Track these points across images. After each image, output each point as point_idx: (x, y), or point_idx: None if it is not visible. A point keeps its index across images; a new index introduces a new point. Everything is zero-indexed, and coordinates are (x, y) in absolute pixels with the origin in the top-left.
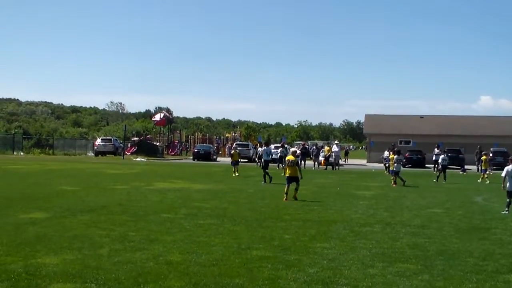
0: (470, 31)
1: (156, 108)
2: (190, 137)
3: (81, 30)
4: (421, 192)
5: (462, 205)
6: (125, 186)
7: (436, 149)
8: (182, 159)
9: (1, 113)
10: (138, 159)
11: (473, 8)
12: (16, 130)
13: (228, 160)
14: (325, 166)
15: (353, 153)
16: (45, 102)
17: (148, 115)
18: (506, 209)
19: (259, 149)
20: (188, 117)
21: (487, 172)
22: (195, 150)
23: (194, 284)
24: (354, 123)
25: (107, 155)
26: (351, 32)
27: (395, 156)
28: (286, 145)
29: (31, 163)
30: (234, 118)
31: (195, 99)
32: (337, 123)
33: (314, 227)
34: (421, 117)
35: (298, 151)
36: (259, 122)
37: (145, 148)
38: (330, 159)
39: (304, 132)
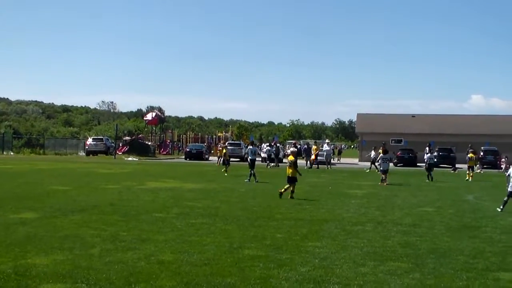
0: (461, 30)
1: (148, 107)
2: (182, 137)
3: (72, 30)
4: (412, 191)
5: (453, 203)
6: (116, 185)
7: (427, 148)
8: (174, 158)
9: None
10: (129, 158)
11: (465, 8)
12: (6, 130)
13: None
14: (315, 164)
15: (345, 152)
16: (36, 101)
17: (140, 114)
18: (502, 207)
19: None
20: (180, 116)
21: (479, 171)
22: (187, 150)
23: (186, 283)
24: (346, 122)
25: (98, 155)
26: (344, 32)
27: (381, 155)
28: (278, 144)
29: (21, 162)
30: (226, 117)
31: (187, 98)
32: (329, 122)
33: (306, 226)
34: (413, 116)
35: (289, 151)
36: (251, 121)
37: (137, 148)
38: (318, 157)
39: (296, 131)
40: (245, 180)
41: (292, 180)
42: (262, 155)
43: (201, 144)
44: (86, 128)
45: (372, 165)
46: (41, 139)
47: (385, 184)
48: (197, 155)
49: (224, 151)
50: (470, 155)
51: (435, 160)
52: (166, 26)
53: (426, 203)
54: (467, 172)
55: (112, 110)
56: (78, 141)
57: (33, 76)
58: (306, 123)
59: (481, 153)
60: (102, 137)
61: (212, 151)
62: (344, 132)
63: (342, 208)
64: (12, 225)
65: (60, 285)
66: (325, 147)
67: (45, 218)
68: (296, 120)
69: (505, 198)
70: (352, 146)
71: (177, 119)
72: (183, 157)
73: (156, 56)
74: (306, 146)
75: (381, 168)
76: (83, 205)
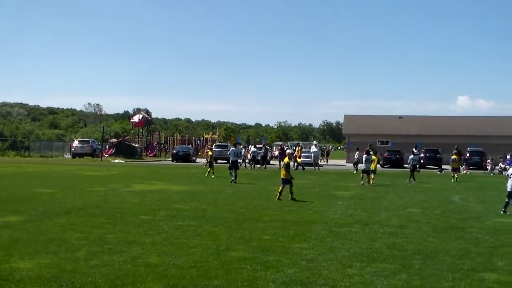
0: (448, 32)
1: (134, 109)
2: (169, 138)
3: (58, 32)
4: (399, 192)
5: (439, 204)
6: (103, 188)
7: (414, 149)
8: (161, 160)
9: None
10: (116, 160)
11: (451, 8)
12: None
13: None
14: (300, 166)
15: (332, 153)
16: (21, 103)
17: (126, 116)
18: (503, 209)
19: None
20: (167, 118)
21: (465, 172)
22: (174, 152)
23: (173, 286)
24: (334, 124)
25: (84, 157)
26: (331, 33)
27: (364, 156)
28: (266, 146)
29: (6, 165)
30: (213, 119)
31: (174, 100)
32: (316, 123)
33: (293, 227)
34: (400, 117)
35: (277, 152)
36: (238, 123)
37: (124, 150)
38: (302, 159)
39: (284, 133)
40: (231, 182)
41: (284, 182)
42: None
43: (188, 146)
44: (72, 130)
45: (356, 166)
46: (26, 141)
47: (370, 184)
48: (184, 157)
49: (210, 153)
50: (453, 156)
51: (422, 161)
52: (153, 28)
53: (412, 204)
54: (452, 174)
55: (98, 112)
56: (64, 144)
57: (18, 78)
58: (293, 124)
59: (467, 154)
60: (88, 139)
61: (199, 153)
62: (332, 134)
63: (329, 209)
64: None
65: None
66: (313, 148)
67: (29, 221)
68: (283, 122)
69: (506, 200)
70: (339, 148)
71: (164, 121)
72: (170, 159)
73: (143, 58)
74: (294, 147)
75: (363, 168)
76: (68, 208)
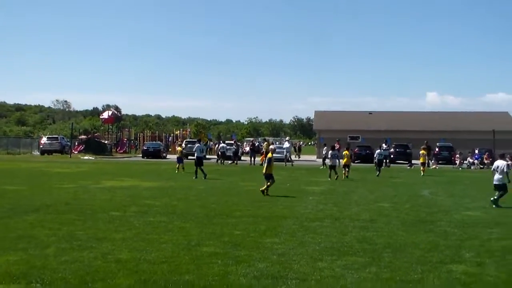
0: (416, 28)
1: (104, 106)
2: (139, 135)
3: (24, 27)
4: (369, 187)
5: (409, 199)
6: (72, 185)
7: (383, 145)
8: (131, 157)
9: None
10: (85, 157)
11: (420, 5)
12: None
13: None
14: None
15: (302, 149)
16: None
17: (96, 113)
18: (494, 199)
19: (222, 145)
20: (137, 114)
21: (434, 167)
22: (145, 148)
23: (144, 281)
24: (304, 120)
25: (53, 154)
26: (301, 30)
27: (330, 151)
28: (237, 142)
29: None
30: (184, 116)
31: (144, 97)
32: (287, 119)
33: (264, 222)
34: (370, 113)
35: (247, 148)
36: (209, 119)
37: (93, 146)
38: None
39: (254, 129)
40: (193, 177)
41: (266, 177)
42: (227, 151)
43: (159, 143)
44: (41, 127)
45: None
46: None
47: (347, 177)
48: (154, 154)
49: (179, 149)
50: (421, 151)
51: (392, 156)
52: (121, 23)
53: (383, 198)
54: (421, 168)
55: (67, 109)
56: (32, 140)
57: None
58: (264, 120)
59: (437, 149)
60: (57, 136)
61: (170, 150)
62: (302, 130)
63: (300, 204)
64: None
65: (13, 286)
66: (286, 144)
67: None
68: (254, 118)
69: (496, 194)
70: (310, 143)
71: (134, 117)
72: (140, 155)
73: (112, 53)
74: (251, 144)
75: (329, 164)
76: (37, 205)
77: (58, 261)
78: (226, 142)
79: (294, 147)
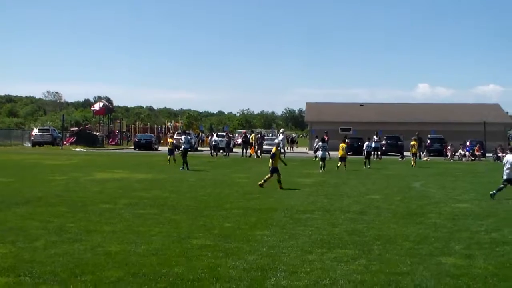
0: (407, 19)
1: (95, 97)
2: (131, 127)
3: (13, 19)
4: (361, 179)
5: (400, 191)
6: (63, 177)
7: (375, 137)
8: (123, 149)
9: None
10: (77, 149)
11: None
12: None
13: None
14: (254, 154)
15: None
16: None
17: (87, 104)
18: (495, 192)
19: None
20: (129, 106)
21: (425, 159)
22: (136, 140)
23: (133, 274)
24: (296, 111)
25: (44, 146)
26: (293, 21)
27: (320, 144)
28: (229, 134)
29: None
30: (175, 107)
31: (136, 88)
32: (279, 111)
33: (254, 215)
34: (361, 105)
35: (239, 140)
36: (201, 111)
37: (85, 138)
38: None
39: (246, 120)
40: (180, 169)
41: (272, 170)
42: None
43: (150, 134)
44: (32, 118)
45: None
46: None
47: (344, 169)
48: (146, 145)
49: (170, 140)
50: (412, 142)
51: (384, 148)
52: (113, 14)
53: (374, 190)
54: (412, 158)
55: (58, 101)
56: (23, 132)
57: None
58: (256, 112)
59: (428, 141)
60: (48, 128)
61: (162, 141)
62: (294, 121)
63: (291, 196)
64: None
65: (2, 278)
66: (280, 136)
67: None
68: (246, 110)
69: (501, 185)
70: (301, 135)
71: (126, 109)
72: (132, 147)
73: (104, 44)
74: (259, 135)
75: (320, 155)
76: (27, 197)
77: (47, 254)
78: (218, 134)
79: (287, 139)
